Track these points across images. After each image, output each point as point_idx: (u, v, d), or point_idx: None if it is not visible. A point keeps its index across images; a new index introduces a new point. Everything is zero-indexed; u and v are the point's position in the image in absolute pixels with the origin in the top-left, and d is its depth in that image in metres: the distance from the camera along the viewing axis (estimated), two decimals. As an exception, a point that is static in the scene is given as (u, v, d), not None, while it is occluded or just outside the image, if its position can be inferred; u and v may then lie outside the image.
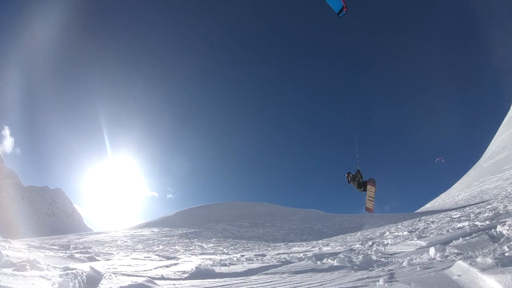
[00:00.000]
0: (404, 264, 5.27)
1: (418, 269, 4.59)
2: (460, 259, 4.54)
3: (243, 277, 6.25)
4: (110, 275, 5.76)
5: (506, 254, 4.10)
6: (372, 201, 8.73)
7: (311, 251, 11.40)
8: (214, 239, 22.84)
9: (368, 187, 8.77)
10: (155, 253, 13.13)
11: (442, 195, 54.23)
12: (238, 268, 7.48)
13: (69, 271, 5.33)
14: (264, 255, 11.12)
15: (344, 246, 11.58)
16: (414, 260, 5.46)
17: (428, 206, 48.70)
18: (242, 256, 11.19)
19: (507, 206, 11.03)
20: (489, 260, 3.78)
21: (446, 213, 19.04)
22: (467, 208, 18.36)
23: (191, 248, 17.20)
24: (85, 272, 5.45)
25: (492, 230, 6.22)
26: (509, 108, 73.34)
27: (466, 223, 8.68)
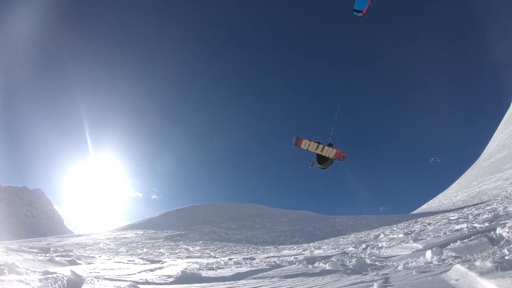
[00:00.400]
0: (400, 268, 5.25)
1: (414, 273, 4.56)
2: (458, 262, 4.53)
3: (231, 282, 6.22)
4: (92, 280, 5.74)
5: (506, 258, 4.09)
6: (322, 145, 7.94)
7: (302, 254, 11.41)
8: (200, 242, 22.83)
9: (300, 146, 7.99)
10: (139, 257, 13.08)
11: (439, 196, 54.86)
12: (226, 272, 7.45)
13: (49, 275, 5.31)
14: (253, 259, 11.11)
15: (337, 249, 11.59)
16: (410, 264, 5.45)
17: (425, 207, 49.23)
18: (230, 259, 11.17)
19: (507, 207, 11.13)
20: (488, 264, 3.76)
21: (443, 215, 19.21)
22: (465, 210, 18.56)
23: (176, 251, 17.16)
24: (66, 276, 5.42)
25: (492, 232, 6.24)
26: (509, 105, 74.02)
27: (465, 225, 8.72)
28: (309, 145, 7.73)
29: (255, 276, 6.61)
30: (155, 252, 16.73)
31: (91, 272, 7.07)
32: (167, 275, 6.98)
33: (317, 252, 11.54)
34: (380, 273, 5.21)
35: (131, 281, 6.05)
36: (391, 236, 12.50)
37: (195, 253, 16.23)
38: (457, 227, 9.02)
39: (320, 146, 7.60)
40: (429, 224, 14.28)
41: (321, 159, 7.94)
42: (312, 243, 18.94)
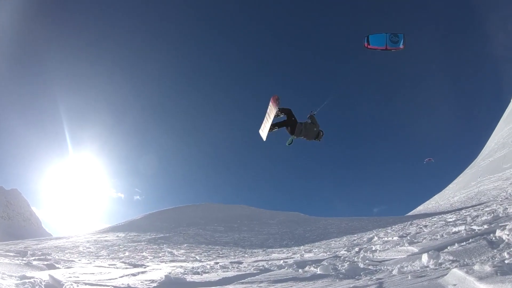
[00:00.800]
0: (394, 272, 5.23)
1: (409, 277, 4.54)
2: (456, 266, 4.51)
3: (218, 287, 6.21)
4: (71, 284, 5.73)
5: (506, 262, 4.08)
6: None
7: (292, 258, 11.39)
8: (185, 245, 22.79)
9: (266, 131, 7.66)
10: (121, 260, 13.03)
11: (436, 197, 55.60)
12: (212, 276, 7.41)
13: (27, 280, 5.39)
14: (241, 263, 11.09)
15: (328, 253, 11.59)
16: (405, 268, 5.44)
17: (421, 208, 49.85)
18: (216, 263, 11.13)
19: (507, 208, 11.23)
20: (487, 268, 3.74)
21: (440, 216, 19.42)
22: (463, 211, 18.77)
23: (160, 254, 17.11)
24: (44, 281, 5.48)
25: (491, 235, 6.27)
26: (509, 101, 74.71)
27: (462, 227, 8.78)
28: (266, 123, 7.52)
29: (242, 281, 6.59)
30: (138, 255, 16.62)
31: (70, 277, 7.06)
32: (150, 280, 6.95)
33: (307, 256, 11.53)
34: (374, 277, 5.18)
35: (112, 286, 6.08)
36: (386, 239, 12.55)
37: (179, 256, 16.16)
38: (454, 229, 9.08)
39: (269, 113, 7.34)
40: (425, 226, 14.40)
41: (289, 128, 7.67)
42: (302, 246, 18.97)
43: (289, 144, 7.92)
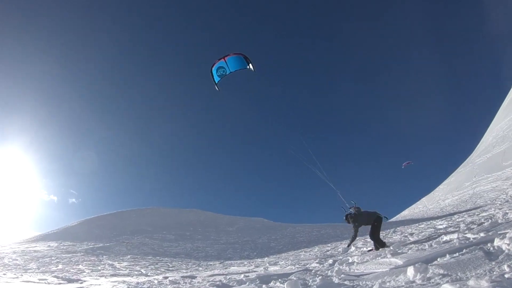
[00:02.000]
0: (375, 289, 5.25)
1: (392, 295, 4.56)
2: (447, 281, 4.56)
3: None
4: None
5: (506, 276, 4.14)
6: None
7: (255, 271, 11.47)
8: (129, 256, 23.06)
9: None
10: (53, 274, 13.24)
11: (424, 200, 57.76)
12: (159, 294, 7.42)
13: None
14: (194, 277, 11.16)
15: (297, 266, 11.69)
16: (388, 284, 5.47)
17: (406, 213, 51.67)
18: (165, 278, 11.24)
19: (507, 213, 11.60)
20: (484, 283, 3.78)
21: (429, 223, 20.07)
22: (455, 216, 19.48)
23: (99, 267, 17.33)
24: None
25: (488, 244, 6.43)
26: (509, 88, 77.18)
27: (455, 236, 9.02)
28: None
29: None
30: (73, 268, 16.82)
31: (-7, 294, 6.98)
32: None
33: (272, 269, 11.61)
34: (350, 296, 5.18)
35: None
36: (364, 249, 12.79)
37: (122, 270, 16.45)
38: (445, 238, 9.33)
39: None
40: (412, 234, 14.79)
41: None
42: (266, 258, 19.18)
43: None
